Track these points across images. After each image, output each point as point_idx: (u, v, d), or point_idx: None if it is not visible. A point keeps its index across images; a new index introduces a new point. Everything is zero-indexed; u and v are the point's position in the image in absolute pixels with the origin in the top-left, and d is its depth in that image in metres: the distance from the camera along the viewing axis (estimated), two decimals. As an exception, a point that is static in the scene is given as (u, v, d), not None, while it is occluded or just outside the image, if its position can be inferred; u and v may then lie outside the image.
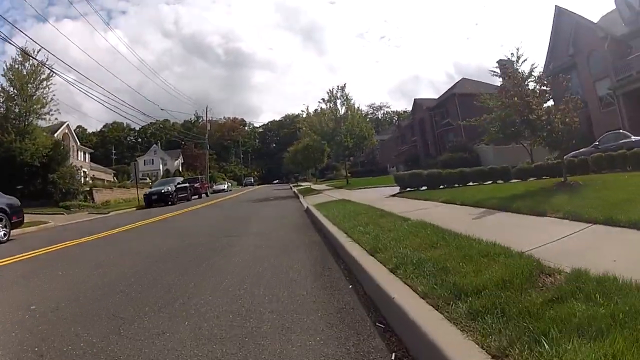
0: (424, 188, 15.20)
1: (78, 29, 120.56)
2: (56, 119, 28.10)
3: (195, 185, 32.74)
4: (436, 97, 51.45)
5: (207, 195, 35.25)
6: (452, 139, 42.45)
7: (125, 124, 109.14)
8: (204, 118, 57.21)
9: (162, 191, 25.17)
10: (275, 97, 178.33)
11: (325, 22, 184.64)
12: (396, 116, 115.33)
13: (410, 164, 47.76)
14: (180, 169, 78.44)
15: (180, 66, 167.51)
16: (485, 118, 26.60)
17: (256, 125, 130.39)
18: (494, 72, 27.72)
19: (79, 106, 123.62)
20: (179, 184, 26.94)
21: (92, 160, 79.70)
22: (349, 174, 64.21)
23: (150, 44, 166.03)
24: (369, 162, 78.31)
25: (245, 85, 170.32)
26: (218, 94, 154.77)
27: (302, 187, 31.53)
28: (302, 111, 27.38)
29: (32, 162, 23.92)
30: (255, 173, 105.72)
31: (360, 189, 21.52)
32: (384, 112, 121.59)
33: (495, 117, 22.14)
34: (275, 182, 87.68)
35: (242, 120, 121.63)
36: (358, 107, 27.15)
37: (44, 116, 26.33)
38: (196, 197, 32.26)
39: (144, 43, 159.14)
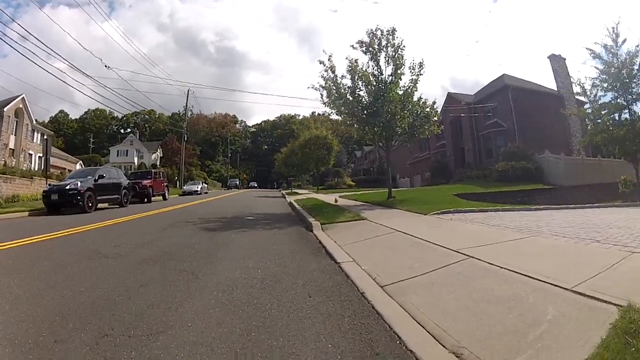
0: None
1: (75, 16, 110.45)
2: None
3: (144, 182, 22.48)
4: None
5: (164, 199, 25.07)
6: (501, 144, 32.67)
7: (108, 112, 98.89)
8: (186, 105, 46.56)
9: (67, 188, 15.01)
10: (268, 100, 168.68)
11: (323, 28, 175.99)
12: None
13: (436, 173, 37.96)
14: (158, 163, 67.94)
15: (174, 61, 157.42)
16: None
17: (249, 124, 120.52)
18: (593, 51, 18.67)
19: (70, 94, 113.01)
20: (101, 177, 16.67)
21: (62, 147, 69.54)
22: (352, 182, 54.91)
23: (145, 37, 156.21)
24: (375, 170, 68.55)
25: (238, 85, 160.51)
26: (209, 91, 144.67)
27: (303, 198, 21.52)
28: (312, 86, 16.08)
29: None
30: (245, 176, 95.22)
31: (445, 214, 10.79)
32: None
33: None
34: (252, 184, 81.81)
35: (234, 117, 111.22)
36: (419, 66, 16.16)
37: None
38: (144, 200, 22.12)
39: (138, 36, 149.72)
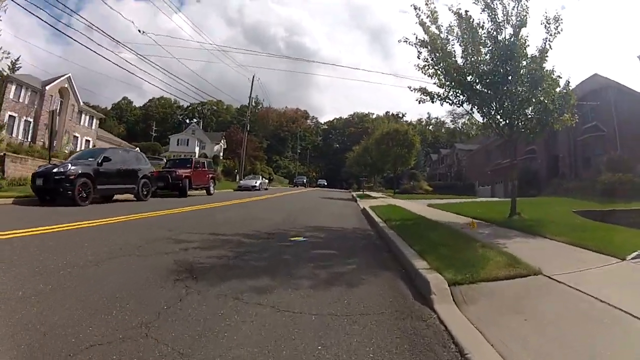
0: None
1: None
2: None
3: (179, 172, 18.09)
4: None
5: (208, 193, 20.73)
6: (599, 152, 26.18)
7: (173, 100, 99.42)
8: (250, 91, 42.54)
9: (54, 171, 10.75)
10: (339, 98, 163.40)
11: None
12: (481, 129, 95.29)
13: (524, 182, 30.84)
14: (221, 155, 65.43)
15: (243, 56, 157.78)
16: None
17: (320, 121, 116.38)
18: None
19: (139, 84, 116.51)
20: (106, 160, 12.21)
21: (123, 134, 69.87)
22: (429, 187, 48.03)
23: (215, 31, 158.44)
24: (452, 175, 60.80)
25: (308, 82, 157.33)
26: (278, 86, 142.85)
27: (380, 204, 15.95)
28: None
29: None
30: (314, 173, 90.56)
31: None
32: (464, 123, 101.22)
33: None
34: (321, 182, 72.51)
35: (305, 112, 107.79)
36: (554, 21, 9.93)
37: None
38: (181, 193, 17.78)
39: (208, 29, 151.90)
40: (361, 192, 35.22)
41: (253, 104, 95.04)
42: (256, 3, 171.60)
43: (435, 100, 10.15)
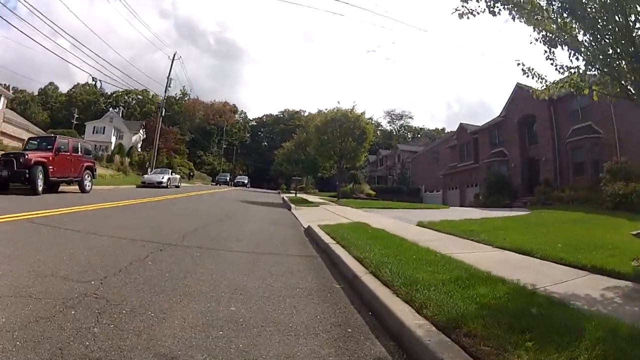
0: None
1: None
2: None
3: (29, 156, 12.35)
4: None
5: (82, 190, 14.90)
6: (597, 157, 22.54)
7: (98, 87, 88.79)
8: (169, 72, 35.80)
9: None
10: (266, 96, 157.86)
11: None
12: (419, 133, 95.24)
13: (496, 190, 27.70)
14: (140, 146, 57.56)
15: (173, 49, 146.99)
16: None
17: (249, 117, 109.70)
18: None
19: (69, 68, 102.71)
20: None
21: (47, 120, 59.26)
22: (371, 191, 44.26)
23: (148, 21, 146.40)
24: (395, 178, 58.33)
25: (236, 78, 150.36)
26: (207, 81, 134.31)
27: (335, 219, 11.49)
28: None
29: None
30: (240, 171, 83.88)
31: None
32: (402, 125, 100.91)
33: None
34: (240, 180, 56.92)
35: (234, 106, 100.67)
36: None
37: None
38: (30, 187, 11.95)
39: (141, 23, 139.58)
40: (294, 195, 30.40)
41: (180, 95, 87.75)
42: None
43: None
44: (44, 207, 8.57)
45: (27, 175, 11.85)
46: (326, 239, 7.00)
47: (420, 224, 10.19)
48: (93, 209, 9.63)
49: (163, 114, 36.21)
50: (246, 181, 57.06)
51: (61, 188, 14.94)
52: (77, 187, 14.80)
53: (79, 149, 15.10)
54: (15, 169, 11.87)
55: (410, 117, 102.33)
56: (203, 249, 5.70)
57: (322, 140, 22.17)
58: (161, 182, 24.64)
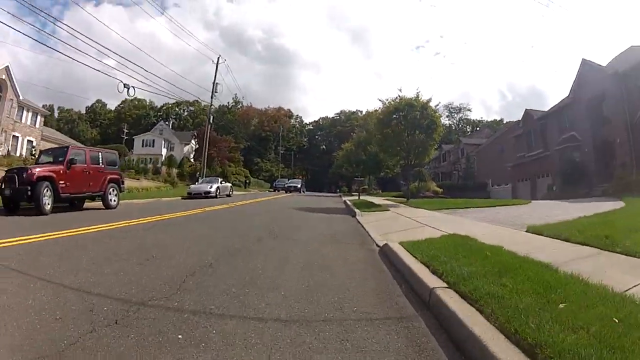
0: None
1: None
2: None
3: (32, 171, 10.17)
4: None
5: (106, 206, 12.56)
6: None
7: (148, 101, 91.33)
8: (215, 76, 33.81)
9: None
10: (321, 99, 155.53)
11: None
12: (478, 126, 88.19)
13: (569, 179, 23.69)
14: (192, 157, 56.95)
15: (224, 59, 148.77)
16: None
17: (305, 121, 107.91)
18: None
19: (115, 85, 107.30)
20: None
21: (96, 138, 61.17)
22: (438, 189, 39.99)
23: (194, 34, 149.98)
24: (460, 173, 53.20)
25: (289, 84, 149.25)
26: (259, 87, 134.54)
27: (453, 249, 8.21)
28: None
29: None
30: (300, 176, 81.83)
31: None
32: (461, 118, 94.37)
33: None
34: (293, 185, 47.61)
35: (289, 111, 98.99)
36: None
37: None
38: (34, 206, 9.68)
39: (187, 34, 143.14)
40: (356, 198, 27.07)
41: (232, 103, 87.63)
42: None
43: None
44: (23, 232, 6.09)
45: (29, 193, 9.57)
46: (426, 276, 3.75)
47: (534, 230, 6.86)
48: (84, 232, 6.94)
49: (212, 121, 34.56)
50: (299, 185, 48.93)
51: (86, 204, 12.78)
52: (101, 202, 12.50)
53: (100, 159, 12.75)
54: (17, 185, 9.67)
55: (468, 110, 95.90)
56: (202, 315, 2.67)
57: (385, 135, 18.60)
58: (209, 192, 22.31)
